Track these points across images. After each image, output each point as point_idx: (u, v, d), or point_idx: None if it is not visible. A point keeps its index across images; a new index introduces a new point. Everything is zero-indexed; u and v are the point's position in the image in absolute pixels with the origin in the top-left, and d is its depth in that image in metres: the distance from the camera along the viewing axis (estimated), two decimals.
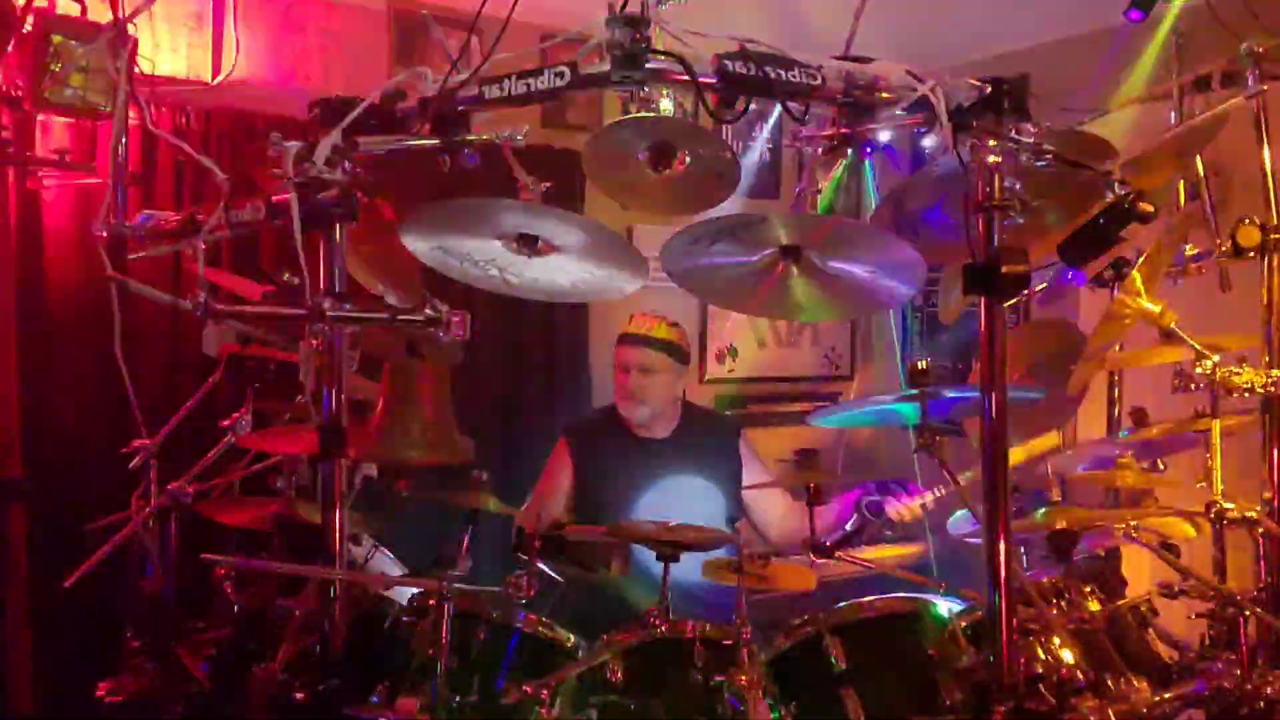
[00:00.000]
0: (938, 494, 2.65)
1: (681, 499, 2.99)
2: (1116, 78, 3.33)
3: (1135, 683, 2.05)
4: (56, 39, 2.46)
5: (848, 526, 2.71)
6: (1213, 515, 2.16)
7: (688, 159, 1.93)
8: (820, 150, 1.90)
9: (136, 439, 2.35)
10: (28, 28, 2.48)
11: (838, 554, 2.31)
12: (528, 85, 1.66)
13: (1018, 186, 1.71)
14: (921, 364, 2.18)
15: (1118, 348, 2.56)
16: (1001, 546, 1.65)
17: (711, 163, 1.94)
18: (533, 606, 2.14)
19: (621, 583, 2.73)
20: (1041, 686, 1.92)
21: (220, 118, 3.28)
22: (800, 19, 3.26)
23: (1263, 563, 2.27)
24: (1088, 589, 2.22)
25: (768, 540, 3.09)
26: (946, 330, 4.38)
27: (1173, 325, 2.21)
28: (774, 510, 3.13)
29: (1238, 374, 2.16)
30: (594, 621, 2.23)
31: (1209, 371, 2.16)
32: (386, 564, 2.64)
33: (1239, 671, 2.05)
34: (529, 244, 1.98)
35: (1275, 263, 2.26)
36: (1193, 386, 2.27)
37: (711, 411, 3.59)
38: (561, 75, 1.63)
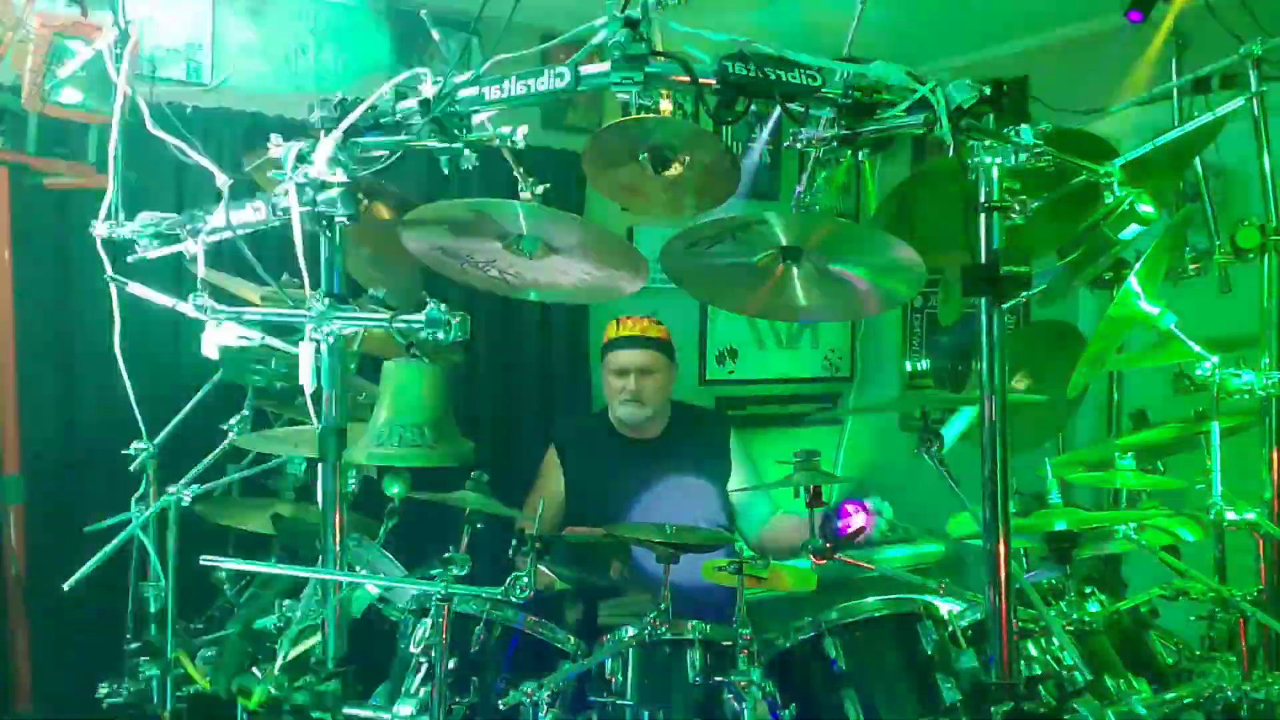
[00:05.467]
0: (877, 508, 2.56)
1: (675, 499, 2.99)
2: (1116, 79, 3.33)
3: (1135, 684, 2.05)
4: (57, 39, 2.46)
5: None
6: (1212, 517, 2.16)
7: (687, 160, 1.93)
8: (820, 151, 1.90)
9: (136, 440, 2.35)
10: (28, 28, 2.48)
11: (838, 555, 2.31)
12: (528, 86, 1.66)
13: (1018, 188, 1.71)
14: (921, 366, 2.18)
15: (1117, 349, 2.56)
16: (1001, 549, 1.65)
17: (711, 164, 1.94)
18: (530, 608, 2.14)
19: (621, 585, 2.74)
20: (1041, 687, 1.92)
21: (220, 120, 3.27)
22: (801, 20, 3.26)
23: (1262, 564, 2.27)
24: (1088, 590, 2.22)
25: (748, 544, 3.08)
26: (946, 332, 4.40)
27: (1172, 327, 2.21)
28: (758, 514, 3.12)
29: (1237, 375, 2.16)
30: (594, 623, 2.23)
31: (1209, 373, 2.16)
32: (386, 565, 2.64)
33: (1239, 674, 2.05)
34: (528, 245, 1.98)
35: (1275, 264, 2.26)
36: (1191, 387, 2.28)
37: (700, 409, 3.58)
38: (562, 76, 1.63)
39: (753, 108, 1.65)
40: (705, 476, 3.07)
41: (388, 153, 1.82)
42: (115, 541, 2.23)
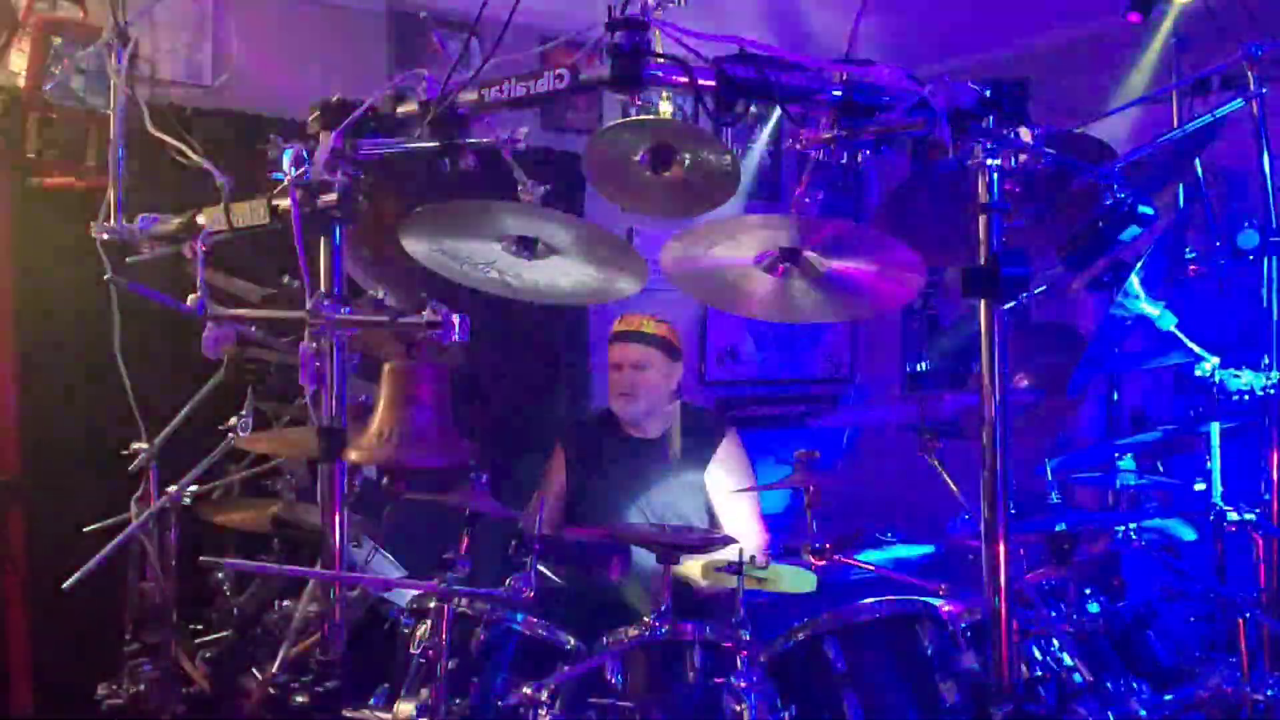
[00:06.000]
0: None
1: (673, 500, 2.98)
2: (1116, 80, 3.34)
3: (1135, 685, 2.05)
4: (57, 41, 2.46)
5: None
6: (1212, 517, 2.16)
7: (687, 161, 1.93)
8: (820, 153, 1.90)
9: (136, 441, 2.35)
10: (29, 29, 2.48)
11: (837, 557, 2.31)
12: (527, 88, 1.66)
13: (1017, 189, 1.71)
14: (921, 367, 2.18)
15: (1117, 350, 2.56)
16: (1001, 549, 1.65)
17: (711, 165, 1.94)
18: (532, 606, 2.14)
19: (620, 585, 2.74)
20: (1041, 689, 1.93)
21: (220, 120, 3.28)
22: (800, 22, 3.26)
23: (1262, 565, 2.27)
24: (1087, 591, 2.22)
25: None
26: (946, 333, 4.40)
27: (1172, 328, 2.21)
28: (734, 520, 3.07)
29: (1237, 376, 2.17)
30: (593, 624, 2.23)
31: (1208, 374, 2.16)
32: (386, 566, 2.64)
33: (1239, 674, 2.05)
34: (528, 246, 1.98)
35: (1275, 265, 2.27)
36: (1191, 389, 2.28)
37: (705, 410, 3.55)
38: (561, 78, 1.63)
39: (752, 109, 1.65)
40: (692, 477, 3.04)
41: (387, 154, 1.82)
42: (115, 541, 2.23)
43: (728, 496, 2.98)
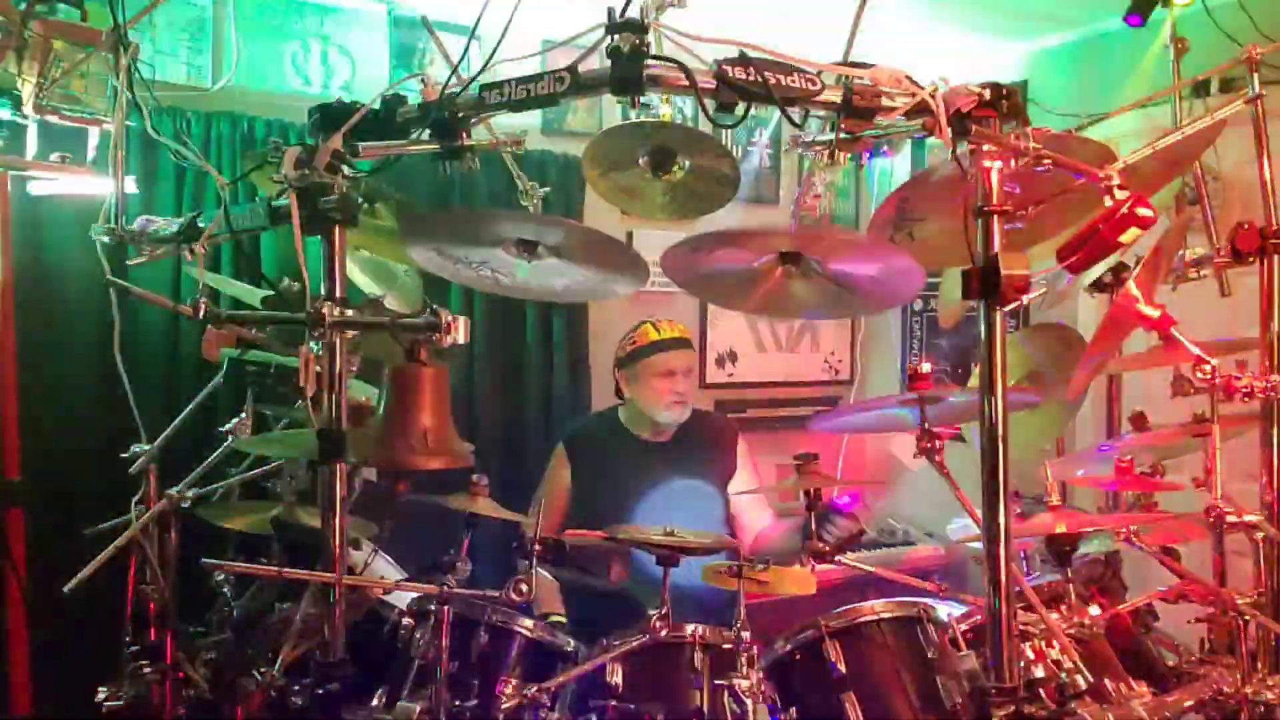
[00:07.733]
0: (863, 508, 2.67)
1: (681, 501, 2.99)
2: (1115, 83, 3.34)
3: (1135, 687, 2.05)
4: (57, 43, 2.46)
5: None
6: (1212, 519, 2.15)
7: (687, 164, 1.93)
8: (820, 155, 1.90)
9: (136, 443, 2.35)
10: (29, 32, 2.48)
11: (838, 558, 2.30)
12: (528, 90, 1.66)
13: (1017, 191, 1.71)
14: (921, 368, 2.18)
15: (1117, 352, 2.56)
16: (1001, 551, 1.65)
17: (711, 168, 1.95)
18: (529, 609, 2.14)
19: (621, 587, 2.74)
20: (1041, 691, 1.92)
21: (220, 123, 3.28)
22: (800, 24, 3.26)
23: (1262, 567, 2.27)
24: (1088, 593, 2.22)
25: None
26: (946, 334, 4.40)
27: (1172, 330, 2.21)
28: (753, 521, 3.13)
29: (1237, 378, 2.16)
30: (594, 625, 2.23)
31: (1208, 376, 2.16)
32: (386, 568, 2.64)
33: (1239, 676, 2.05)
34: (528, 249, 1.99)
35: (1274, 267, 2.26)
36: (1192, 391, 2.28)
37: (710, 413, 3.57)
38: (561, 81, 1.63)
39: (752, 111, 1.65)
40: (713, 479, 3.08)
41: (388, 156, 1.82)
42: (115, 544, 2.23)
43: (749, 502, 3.09)
